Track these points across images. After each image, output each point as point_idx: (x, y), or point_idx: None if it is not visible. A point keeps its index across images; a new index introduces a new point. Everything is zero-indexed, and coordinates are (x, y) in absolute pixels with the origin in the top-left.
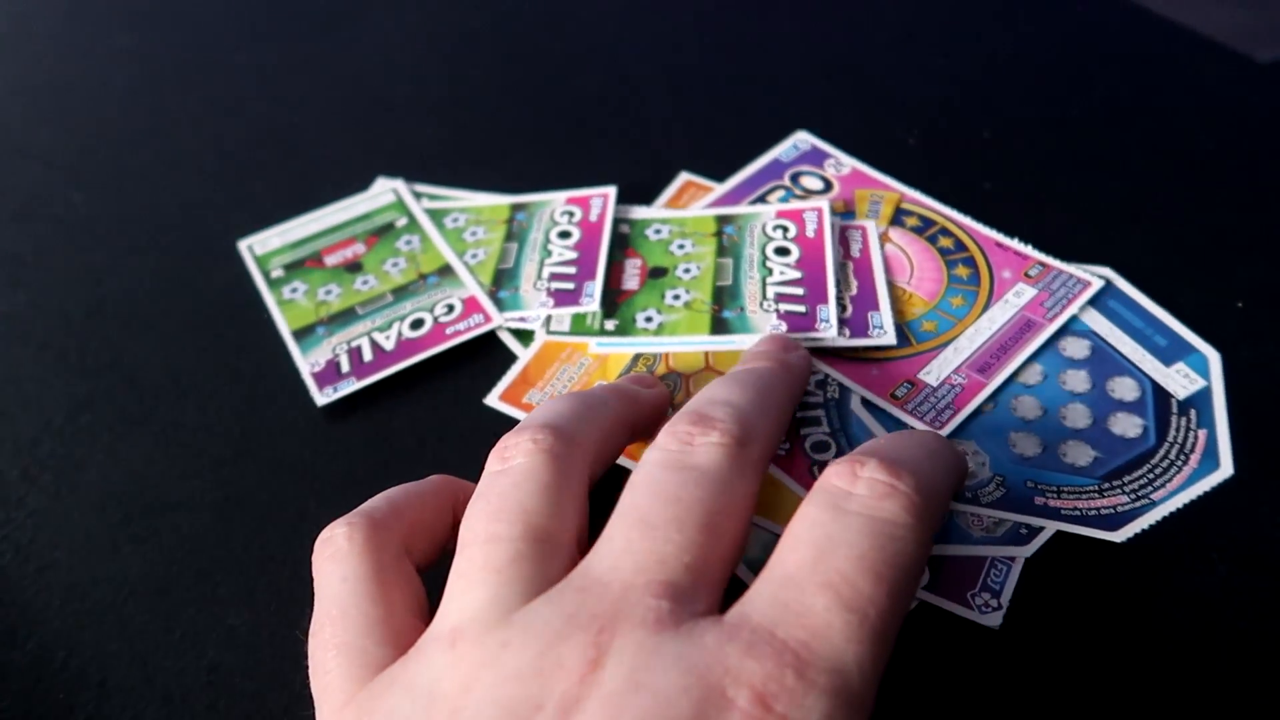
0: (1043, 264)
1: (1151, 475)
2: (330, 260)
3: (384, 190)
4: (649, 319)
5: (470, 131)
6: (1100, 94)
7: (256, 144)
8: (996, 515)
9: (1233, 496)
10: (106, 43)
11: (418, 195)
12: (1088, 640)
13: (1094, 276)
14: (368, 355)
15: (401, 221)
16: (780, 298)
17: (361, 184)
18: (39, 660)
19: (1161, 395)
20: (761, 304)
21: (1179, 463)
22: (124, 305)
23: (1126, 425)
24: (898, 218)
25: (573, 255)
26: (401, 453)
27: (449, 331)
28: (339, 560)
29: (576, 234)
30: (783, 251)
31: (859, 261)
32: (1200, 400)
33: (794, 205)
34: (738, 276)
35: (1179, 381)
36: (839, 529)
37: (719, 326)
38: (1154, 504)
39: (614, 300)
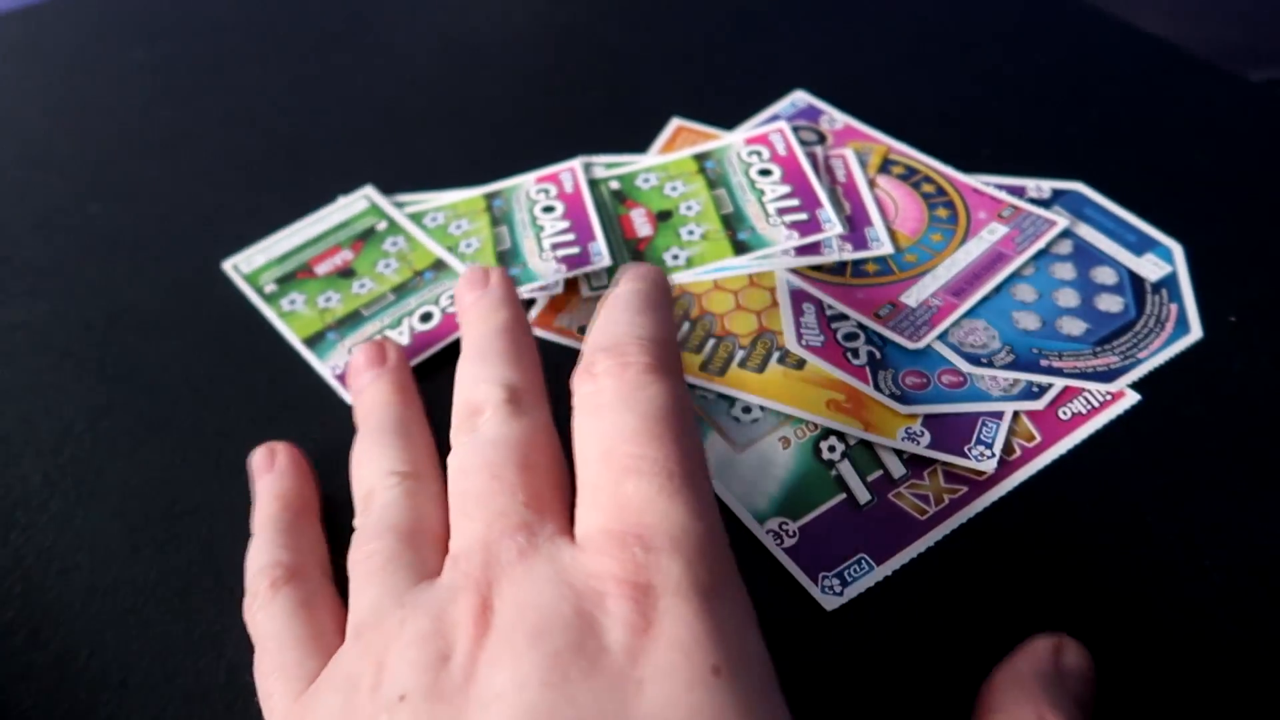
0: (1015, 206)
1: (1135, 340)
2: (321, 269)
3: (356, 199)
4: (675, 256)
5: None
6: (1095, 112)
7: (269, 156)
8: (1012, 376)
9: (1227, 499)
10: (123, 57)
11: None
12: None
13: (1060, 217)
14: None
15: (381, 225)
16: (782, 210)
17: (353, 189)
18: (62, 660)
19: (1136, 279)
20: (769, 220)
21: (1157, 329)
22: (142, 314)
23: (1110, 303)
24: (885, 167)
25: (564, 224)
26: None
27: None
28: (265, 605)
29: (560, 206)
30: (765, 173)
31: (846, 186)
32: (1169, 282)
33: (759, 130)
34: (737, 202)
35: (1149, 268)
36: (605, 423)
37: (740, 249)
38: (1140, 361)
39: (635, 249)
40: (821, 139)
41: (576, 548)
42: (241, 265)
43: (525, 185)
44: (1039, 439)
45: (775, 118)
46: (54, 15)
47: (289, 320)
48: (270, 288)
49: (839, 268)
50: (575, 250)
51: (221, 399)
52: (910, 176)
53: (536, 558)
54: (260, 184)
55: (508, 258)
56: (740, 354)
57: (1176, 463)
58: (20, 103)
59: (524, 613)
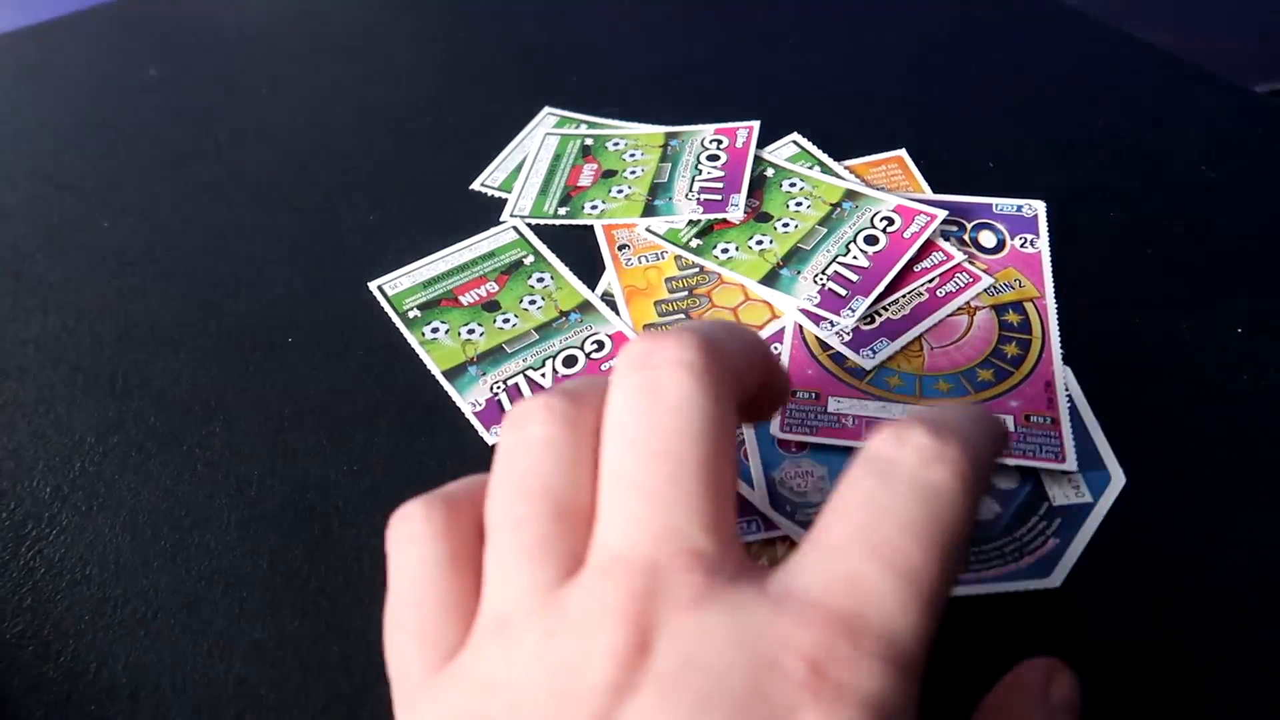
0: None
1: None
2: (465, 299)
3: (505, 228)
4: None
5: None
6: (1101, 124)
7: (280, 174)
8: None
9: (1233, 509)
10: (135, 75)
11: (575, 123)
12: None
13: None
14: (526, 392)
15: (529, 259)
16: (703, 189)
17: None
18: (72, 672)
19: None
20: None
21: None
22: (152, 329)
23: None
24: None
25: (720, 174)
26: (423, 476)
27: (603, 368)
28: (415, 541)
29: (724, 157)
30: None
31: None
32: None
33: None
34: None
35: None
36: (887, 496)
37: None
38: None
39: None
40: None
41: (770, 601)
42: (388, 287)
43: (704, 133)
44: None
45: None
46: (66, 33)
47: (430, 349)
48: (414, 313)
49: (858, 372)
50: (718, 197)
51: (229, 414)
52: (996, 295)
53: (716, 607)
54: (269, 200)
55: (659, 190)
56: None
57: (1183, 471)
58: (33, 119)
59: (689, 670)
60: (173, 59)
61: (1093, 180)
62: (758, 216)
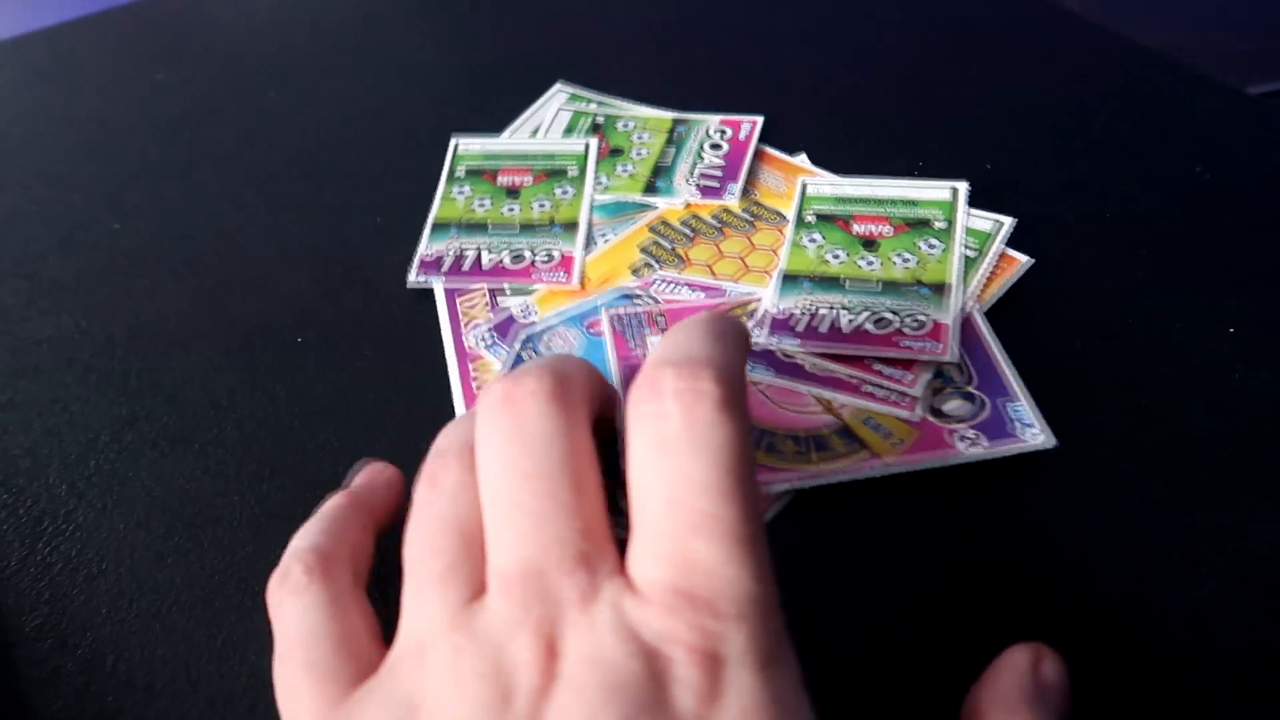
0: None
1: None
2: (500, 180)
3: (579, 142)
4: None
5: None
6: (1097, 126)
7: (286, 176)
8: None
9: (1223, 504)
10: (145, 78)
11: (587, 100)
12: (1081, 657)
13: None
14: (467, 265)
15: (573, 171)
16: (703, 175)
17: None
18: (89, 665)
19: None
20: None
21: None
22: (164, 329)
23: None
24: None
25: (721, 163)
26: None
27: (533, 275)
28: (299, 592)
29: (726, 147)
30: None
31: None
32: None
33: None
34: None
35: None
36: (672, 466)
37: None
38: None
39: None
40: None
41: (641, 599)
42: (461, 146)
43: (710, 122)
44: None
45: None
46: (75, 37)
47: (444, 203)
48: (460, 173)
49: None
50: (716, 184)
51: (241, 412)
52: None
53: (599, 603)
54: (277, 205)
55: (661, 172)
56: None
57: (1173, 468)
58: (44, 121)
59: (594, 666)
60: (181, 62)
61: (1087, 181)
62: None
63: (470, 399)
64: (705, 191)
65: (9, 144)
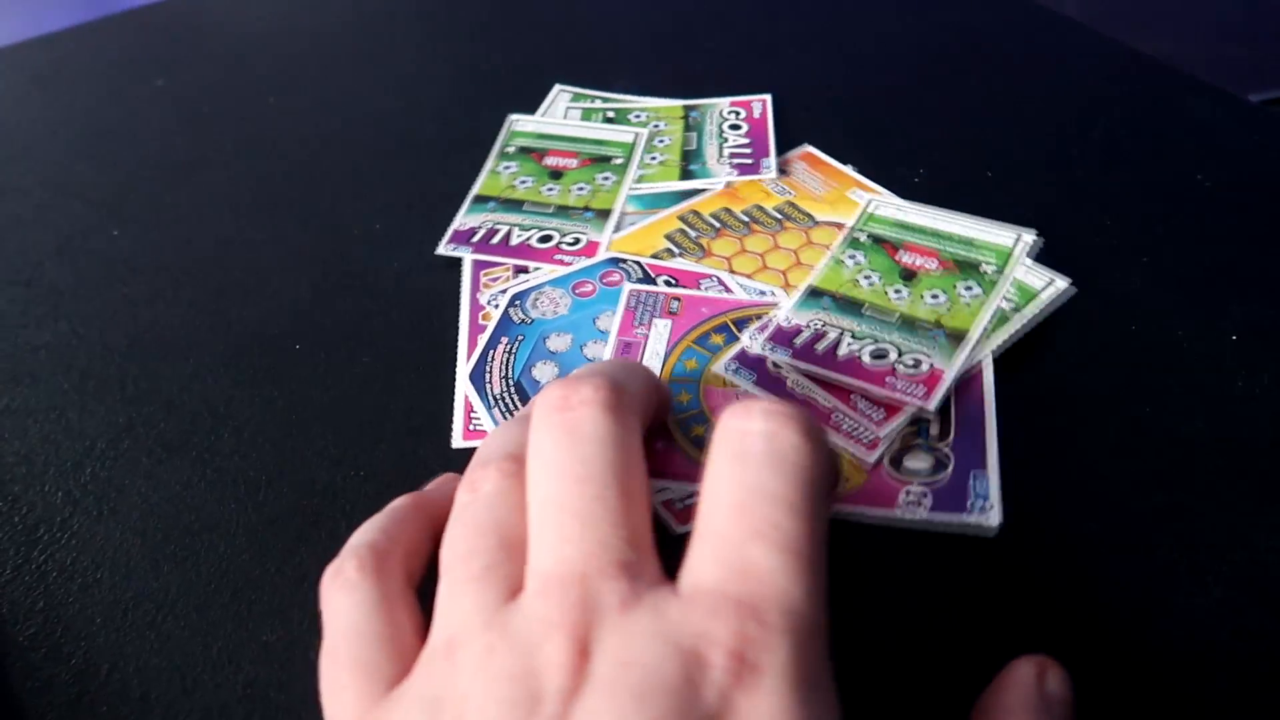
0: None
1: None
2: (547, 161)
3: (628, 131)
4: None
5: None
6: (1097, 132)
7: (285, 183)
8: None
9: (1228, 514)
10: (144, 85)
11: (589, 98)
12: (1082, 662)
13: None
14: (496, 240)
15: (618, 160)
16: (733, 154)
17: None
18: (83, 674)
19: None
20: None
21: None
22: (161, 336)
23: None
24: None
25: (747, 141)
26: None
27: (557, 257)
28: (350, 589)
29: (745, 126)
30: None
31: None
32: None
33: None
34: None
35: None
36: (749, 474)
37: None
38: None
39: None
40: None
41: (683, 599)
42: (516, 124)
43: (720, 105)
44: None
45: None
46: (75, 44)
47: (489, 177)
48: (511, 149)
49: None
50: (749, 161)
51: (238, 420)
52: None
53: (639, 608)
54: (276, 211)
55: (691, 156)
56: None
57: (1178, 478)
58: (42, 128)
59: (627, 669)
60: (180, 69)
61: (1088, 188)
62: None
63: (473, 354)
64: (741, 169)
65: (8, 150)
